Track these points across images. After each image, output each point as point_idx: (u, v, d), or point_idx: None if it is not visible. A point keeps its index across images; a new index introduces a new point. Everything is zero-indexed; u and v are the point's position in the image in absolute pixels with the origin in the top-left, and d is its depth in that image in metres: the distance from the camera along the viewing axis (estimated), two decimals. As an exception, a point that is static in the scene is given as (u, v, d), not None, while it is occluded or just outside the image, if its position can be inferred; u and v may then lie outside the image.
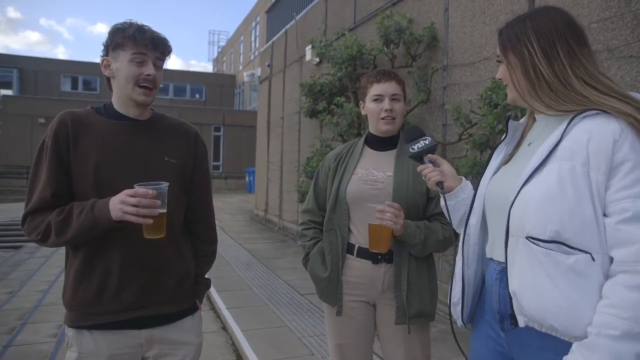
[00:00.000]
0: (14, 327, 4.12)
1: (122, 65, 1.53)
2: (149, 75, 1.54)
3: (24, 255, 7.64)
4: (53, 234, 1.47)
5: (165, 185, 1.44)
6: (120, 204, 1.39)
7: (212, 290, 5.18)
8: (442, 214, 1.85)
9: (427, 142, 1.49)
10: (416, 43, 5.10)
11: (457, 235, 1.85)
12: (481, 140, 3.63)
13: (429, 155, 1.49)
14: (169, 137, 1.66)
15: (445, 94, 4.80)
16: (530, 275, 1.12)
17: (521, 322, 1.16)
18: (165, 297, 1.60)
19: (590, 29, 3.34)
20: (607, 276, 1.06)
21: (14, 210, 12.73)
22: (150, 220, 1.41)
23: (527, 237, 1.12)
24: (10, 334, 3.95)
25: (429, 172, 1.44)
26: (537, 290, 1.10)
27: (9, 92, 25.25)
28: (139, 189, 1.40)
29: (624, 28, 3.14)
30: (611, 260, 1.06)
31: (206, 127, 22.10)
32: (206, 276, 1.80)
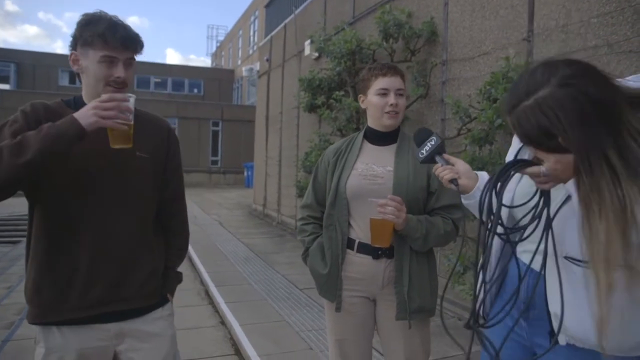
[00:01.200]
0: (12, 322, 4.13)
1: (91, 65, 1.48)
2: (119, 77, 1.50)
3: (23, 250, 7.61)
4: (7, 156, 1.28)
5: (132, 98, 1.45)
6: (94, 110, 1.34)
7: (211, 285, 5.19)
8: (442, 208, 1.85)
9: (432, 142, 1.48)
10: (415, 37, 5.08)
11: (457, 229, 1.86)
12: (480, 135, 3.63)
13: (444, 155, 1.47)
14: (141, 132, 1.58)
15: (444, 89, 4.79)
16: (573, 295, 1.09)
17: (562, 341, 1.15)
18: (132, 292, 1.58)
19: (590, 24, 3.33)
20: None
21: (12, 205, 12.67)
22: (126, 127, 1.39)
23: (565, 257, 1.11)
24: (9, 329, 3.96)
25: (441, 171, 1.43)
26: (581, 312, 1.08)
27: (6, 87, 25.11)
28: (116, 94, 1.40)
29: (624, 23, 3.13)
30: None
31: (204, 121, 22.03)
32: (178, 270, 1.79)
